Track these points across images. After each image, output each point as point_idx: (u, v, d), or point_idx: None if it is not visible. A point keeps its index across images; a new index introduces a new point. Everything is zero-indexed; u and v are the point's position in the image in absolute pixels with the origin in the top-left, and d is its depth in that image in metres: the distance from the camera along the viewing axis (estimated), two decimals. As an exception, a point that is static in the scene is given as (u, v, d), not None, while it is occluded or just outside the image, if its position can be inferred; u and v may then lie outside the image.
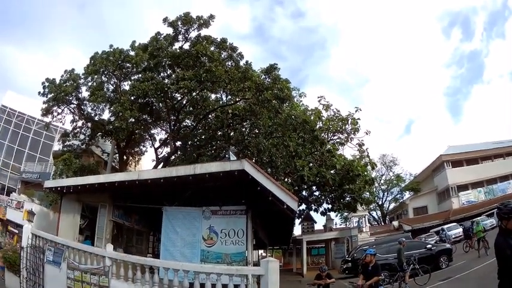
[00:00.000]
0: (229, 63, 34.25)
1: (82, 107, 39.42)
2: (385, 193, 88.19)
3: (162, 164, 38.17)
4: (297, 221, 40.09)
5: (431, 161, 73.06)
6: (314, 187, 34.90)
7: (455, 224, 49.25)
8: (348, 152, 36.83)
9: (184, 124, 40.93)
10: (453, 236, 44.43)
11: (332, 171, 30.82)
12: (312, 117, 33.63)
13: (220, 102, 37.29)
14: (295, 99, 40.39)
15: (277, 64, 32.71)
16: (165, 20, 34.94)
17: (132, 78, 37.63)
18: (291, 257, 60.38)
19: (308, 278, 36.56)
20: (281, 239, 41.53)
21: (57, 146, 52.51)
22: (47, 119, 39.68)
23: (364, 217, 64.49)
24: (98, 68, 36.12)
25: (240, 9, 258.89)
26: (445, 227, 48.55)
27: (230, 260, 17.62)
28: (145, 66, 35.59)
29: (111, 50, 36.78)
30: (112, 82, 38.38)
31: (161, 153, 42.57)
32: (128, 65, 36.72)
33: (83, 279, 14.32)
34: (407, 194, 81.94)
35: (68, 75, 37.80)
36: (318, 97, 34.76)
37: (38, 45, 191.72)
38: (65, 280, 14.83)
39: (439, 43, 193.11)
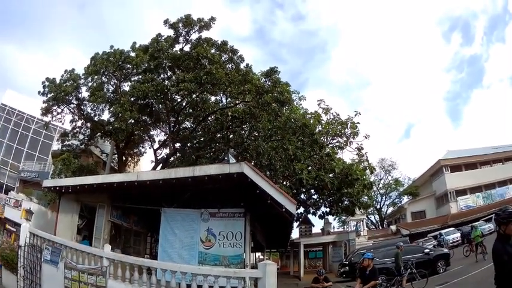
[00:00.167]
0: (230, 65, 34.26)
1: (82, 107, 39.44)
2: (384, 197, 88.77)
3: (161, 165, 38.20)
4: (295, 224, 40.02)
5: (430, 166, 73.15)
6: (312, 190, 34.92)
7: (453, 228, 49.35)
8: (347, 155, 36.92)
9: (184, 126, 40.93)
10: (451, 241, 44.60)
11: (331, 175, 30.89)
12: (311, 121, 33.69)
13: (220, 105, 37.22)
14: (295, 103, 40.45)
15: (277, 67, 32.76)
16: (166, 21, 34.95)
17: (132, 79, 37.62)
18: (288, 260, 60.25)
19: (305, 281, 36.55)
20: (279, 242, 41.52)
21: (56, 146, 52.90)
22: (47, 119, 39.58)
23: (362, 221, 64.34)
24: (98, 68, 36.13)
25: (240, 12, 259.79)
26: (443, 231, 48.66)
27: (228, 262, 17.61)
28: (146, 67, 35.59)
29: (112, 50, 36.77)
30: (112, 83, 38.42)
31: (160, 154, 42.58)
32: (128, 66, 36.69)
33: (80, 279, 14.32)
34: (405, 199, 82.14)
35: (68, 75, 37.81)
36: (318, 100, 34.90)
37: (38, 45, 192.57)
38: (62, 279, 14.83)
39: (439, 47, 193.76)
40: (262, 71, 33.76)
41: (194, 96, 34.18)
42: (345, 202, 33.20)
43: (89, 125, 40.54)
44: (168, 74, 36.91)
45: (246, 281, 11.68)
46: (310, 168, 31.69)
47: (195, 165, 23.65)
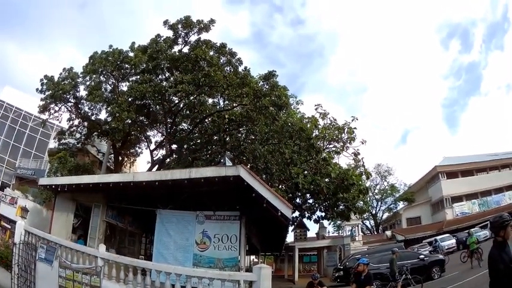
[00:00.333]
0: (228, 68, 34.27)
1: (79, 105, 39.47)
2: (379, 203, 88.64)
3: (157, 166, 38.19)
4: (290, 228, 39.98)
5: (426, 172, 73.31)
6: (308, 195, 34.81)
7: (448, 235, 49.34)
8: (343, 160, 36.93)
9: (181, 127, 41.10)
10: (446, 247, 44.59)
11: (327, 180, 30.80)
12: (308, 125, 33.66)
13: (217, 107, 37.35)
14: (292, 107, 40.45)
15: (275, 71, 32.93)
16: (165, 22, 34.95)
17: (131, 79, 37.61)
18: (283, 264, 60.62)
19: (299, 285, 36.74)
20: (274, 246, 41.60)
21: (52, 144, 52.68)
22: (44, 116, 39.83)
23: (357, 226, 64.37)
24: (97, 67, 36.11)
25: (239, 15, 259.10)
26: (438, 238, 48.62)
27: (223, 265, 17.69)
28: (144, 68, 35.56)
29: (111, 50, 36.79)
30: (110, 82, 38.41)
31: (156, 155, 42.45)
32: (126, 66, 36.69)
33: (75, 278, 14.30)
34: (401, 204, 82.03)
35: (67, 74, 37.83)
36: (315, 105, 34.86)
37: (37, 43, 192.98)
38: (56, 278, 14.81)
39: (438, 54, 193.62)
40: (261, 74, 34.20)
41: (192, 98, 34.16)
42: (341, 207, 33.07)
43: (86, 124, 40.54)
44: (166, 75, 36.93)
45: (241, 284, 11.68)
46: (306, 172, 31.67)
47: (191, 167, 23.67)
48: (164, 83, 35.21)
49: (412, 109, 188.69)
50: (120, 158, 42.76)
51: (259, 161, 31.90)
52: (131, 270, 13.51)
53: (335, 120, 34.31)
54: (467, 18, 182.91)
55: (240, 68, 34.05)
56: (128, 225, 24.40)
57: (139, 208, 20.45)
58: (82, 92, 38.52)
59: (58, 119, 40.66)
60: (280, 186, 31.93)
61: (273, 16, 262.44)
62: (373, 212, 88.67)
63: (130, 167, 48.01)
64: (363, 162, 32.98)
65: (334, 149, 34.33)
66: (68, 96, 37.66)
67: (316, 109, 34.62)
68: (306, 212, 35.87)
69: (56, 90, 35.87)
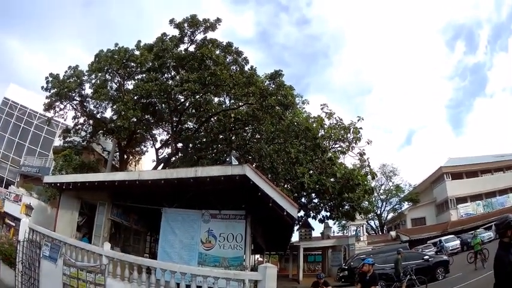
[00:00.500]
0: (234, 67, 34.27)
1: (84, 104, 39.58)
2: (384, 203, 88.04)
3: (162, 164, 38.30)
4: (295, 228, 39.91)
5: (431, 173, 72.81)
6: (313, 194, 34.82)
7: (452, 236, 49.08)
8: (349, 160, 36.81)
9: (186, 126, 41.06)
10: (450, 248, 44.36)
11: (332, 180, 30.78)
12: (314, 125, 33.58)
13: (223, 106, 37.26)
14: (298, 106, 40.21)
15: (281, 70, 32.83)
16: (171, 21, 34.77)
17: (136, 77, 37.57)
18: (287, 263, 60.02)
19: (304, 284, 36.64)
20: (279, 245, 41.49)
21: (57, 142, 52.92)
22: (49, 114, 39.97)
23: (362, 226, 63.93)
24: (102, 65, 36.05)
25: (244, 14, 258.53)
26: (442, 238, 48.39)
27: (228, 264, 17.58)
28: (150, 66, 35.59)
29: (116, 48, 36.73)
30: (116, 81, 38.39)
31: (162, 154, 42.68)
32: (132, 64, 36.62)
33: (79, 276, 14.24)
34: (405, 205, 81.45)
35: (72, 72, 37.90)
36: (321, 105, 34.86)
37: (42, 41, 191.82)
38: (60, 276, 14.76)
39: (443, 55, 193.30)
40: (267, 73, 34.10)
41: (198, 96, 34.05)
42: (346, 207, 33.08)
43: (91, 122, 40.62)
44: (172, 74, 36.87)
45: (246, 283, 11.63)
46: (311, 172, 31.57)
47: (196, 166, 23.71)
48: (170, 82, 35.18)
49: (417, 110, 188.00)
50: (125, 156, 42.85)
51: (265, 160, 31.77)
52: (136, 269, 13.40)
53: (341, 120, 34.30)
54: (472, 19, 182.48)
55: (246, 67, 34.11)
56: (133, 224, 24.32)
57: (145, 206, 20.43)
58: (87, 90, 38.66)
59: (63, 117, 40.97)
60: (285, 186, 31.89)
61: (279, 16, 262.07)
62: (378, 212, 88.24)
63: (135, 165, 48.14)
64: (369, 162, 33.01)
65: (339, 148, 34.30)
66: (74, 94, 37.77)
67: (322, 109, 34.68)
68: (311, 212, 35.93)
69: (61, 88, 35.97)
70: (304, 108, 41.84)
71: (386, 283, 24.51)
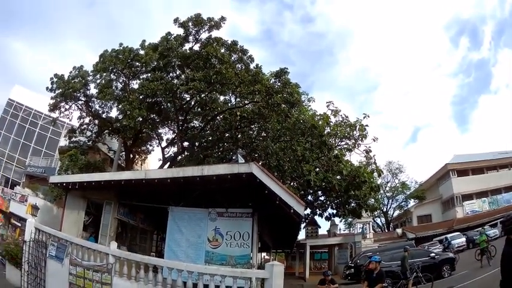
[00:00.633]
0: (240, 65, 34.17)
1: (90, 103, 39.60)
2: (390, 200, 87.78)
3: (168, 163, 38.28)
4: (302, 225, 39.87)
5: (437, 170, 72.86)
6: (320, 192, 34.78)
7: (458, 233, 49.01)
8: (355, 158, 36.63)
9: (192, 125, 41.03)
10: (456, 246, 44.24)
11: (338, 177, 30.69)
12: (320, 123, 33.47)
13: (229, 105, 37.23)
14: (304, 104, 40.17)
15: (287, 68, 32.50)
16: (176, 20, 34.76)
17: (141, 77, 37.50)
18: (294, 261, 59.53)
19: (310, 282, 36.59)
20: (285, 243, 41.23)
21: (63, 142, 52.87)
22: (54, 115, 39.90)
23: (368, 223, 64.06)
24: (107, 65, 36.05)
25: (248, 13, 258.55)
26: (448, 236, 48.26)
27: (235, 262, 17.56)
28: (155, 65, 35.59)
29: (121, 48, 36.72)
30: (121, 80, 38.33)
31: (168, 153, 42.63)
32: (137, 63, 36.52)
33: (86, 275, 14.30)
34: (412, 202, 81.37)
35: (77, 72, 37.95)
36: (327, 102, 34.70)
37: (46, 42, 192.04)
38: (66, 276, 14.83)
39: (447, 51, 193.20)
40: (272, 71, 33.90)
41: (203, 95, 34.01)
42: (352, 204, 33.02)
43: (96, 122, 40.61)
44: (177, 73, 36.92)
45: (253, 281, 11.64)
46: (318, 169, 31.53)
47: (202, 165, 23.78)
48: (175, 81, 35.39)
49: (422, 107, 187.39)
50: (131, 156, 42.89)
51: (271, 158, 31.69)
52: (142, 268, 13.46)
53: (347, 117, 34.19)
54: (476, 15, 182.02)
55: (252, 66, 33.99)
56: (140, 223, 24.32)
57: (151, 205, 20.42)
58: (92, 90, 38.68)
59: (69, 117, 40.91)
60: (292, 184, 31.79)
61: (283, 14, 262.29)
62: (384, 209, 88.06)
63: (141, 165, 48.25)
64: (375, 160, 32.83)
65: (345, 146, 34.17)
66: (79, 95, 37.84)
67: (327, 106, 34.52)
68: (317, 209, 35.87)
69: (66, 89, 36.06)
70: (310, 105, 41.80)
71: (392, 280, 24.38)
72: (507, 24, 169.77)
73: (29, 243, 16.64)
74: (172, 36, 35.39)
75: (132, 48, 36.54)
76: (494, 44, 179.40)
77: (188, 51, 35.05)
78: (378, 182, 39.47)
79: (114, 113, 39.57)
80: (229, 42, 34.08)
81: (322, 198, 36.12)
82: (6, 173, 63.25)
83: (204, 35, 35.12)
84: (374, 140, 32.59)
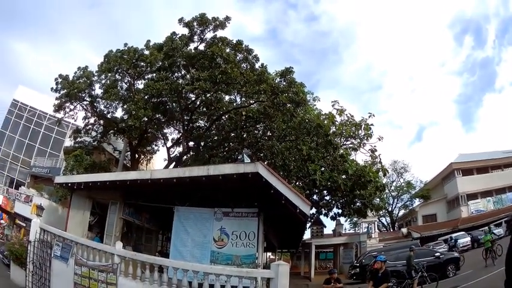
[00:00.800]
0: (245, 65, 34.25)
1: (95, 104, 39.88)
2: (395, 200, 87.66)
3: (174, 163, 38.42)
4: (307, 225, 39.87)
5: (442, 169, 72.53)
6: (325, 191, 34.64)
7: (463, 233, 48.91)
8: (360, 157, 36.59)
9: (198, 125, 41.17)
10: (461, 245, 44.12)
11: (344, 176, 30.57)
12: (325, 122, 33.42)
13: (235, 104, 37.34)
14: (309, 103, 40.10)
15: (292, 67, 32.66)
16: (180, 20, 34.93)
17: (146, 77, 37.83)
18: (299, 261, 59.58)
19: (315, 282, 36.59)
20: (291, 242, 41.28)
21: (68, 142, 53.05)
22: (59, 115, 40.27)
23: (374, 223, 64.01)
24: (112, 66, 36.26)
25: (253, 12, 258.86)
26: (453, 235, 48.18)
27: (240, 262, 17.50)
28: (160, 65, 35.78)
29: (126, 48, 37.02)
30: (126, 80, 38.62)
31: (173, 152, 42.77)
32: (142, 64, 36.88)
33: (91, 275, 14.32)
34: (417, 201, 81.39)
35: (81, 72, 38.29)
36: (332, 101, 34.49)
37: (50, 43, 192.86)
38: (71, 276, 14.85)
39: (451, 50, 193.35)
40: (277, 71, 33.90)
41: (208, 95, 34.32)
42: (357, 204, 32.86)
43: (101, 122, 40.95)
44: (183, 73, 37.07)
45: (258, 281, 11.64)
46: (323, 169, 31.42)
47: (208, 164, 23.86)
48: (180, 81, 35.56)
49: (427, 106, 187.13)
50: (136, 156, 43.09)
51: (277, 157, 31.77)
52: (148, 268, 13.44)
53: (352, 116, 34.03)
54: (480, 14, 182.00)
55: (257, 65, 34.15)
56: (145, 223, 24.32)
57: (157, 205, 20.41)
58: (97, 90, 39.12)
59: (73, 118, 41.45)
60: (297, 183, 31.67)
61: (287, 13, 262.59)
62: (389, 209, 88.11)
63: (147, 165, 48.45)
64: (380, 159, 32.74)
65: (351, 145, 34.01)
66: (83, 95, 38.20)
67: (333, 105, 34.33)
68: (322, 209, 35.67)
69: (71, 89, 36.32)
70: (315, 105, 41.64)
71: (398, 280, 24.29)
72: (511, 22, 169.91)
73: (34, 243, 16.74)
74: (177, 36, 35.61)
75: (136, 49, 36.89)
76: (498, 42, 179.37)
77: (193, 51, 35.23)
78: (383, 182, 39.35)
79: (119, 113, 40.04)
80: (234, 41, 34.16)
81: (327, 197, 36.02)
82: (11, 173, 63.33)
83: (209, 35, 35.35)
84: (379, 139, 32.46)
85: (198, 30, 35.16)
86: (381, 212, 77.24)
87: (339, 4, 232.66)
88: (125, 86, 38.66)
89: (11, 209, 44.39)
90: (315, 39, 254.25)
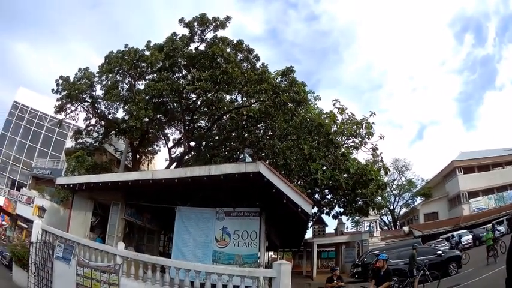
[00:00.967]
0: (246, 65, 34.31)
1: (96, 105, 39.96)
2: (397, 198, 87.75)
3: (175, 163, 38.45)
4: (309, 224, 39.89)
5: (444, 167, 72.47)
6: (327, 190, 34.58)
7: (465, 231, 48.79)
8: (362, 156, 36.54)
9: (199, 125, 41.22)
10: (463, 243, 44.03)
11: (345, 175, 30.48)
12: (326, 121, 33.41)
13: (235, 104, 37.35)
14: (310, 102, 40.07)
15: (293, 67, 32.69)
16: (181, 20, 34.97)
17: (147, 78, 37.91)
18: (301, 260, 59.49)
19: (317, 281, 36.60)
20: (293, 242, 41.44)
21: (69, 143, 53.26)
22: (60, 116, 40.47)
23: (375, 222, 63.76)
24: (113, 67, 36.34)
25: (253, 12, 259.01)
26: (455, 233, 48.19)
27: (242, 261, 17.53)
28: (161, 66, 35.81)
29: (126, 49, 37.00)
30: (127, 81, 38.67)
31: (174, 153, 42.86)
32: (143, 64, 36.86)
33: (93, 276, 14.36)
34: (418, 200, 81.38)
35: (82, 74, 38.31)
36: (333, 100, 34.45)
37: (50, 45, 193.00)
38: (74, 276, 14.89)
39: (452, 48, 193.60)
40: (278, 70, 33.90)
41: (209, 95, 34.22)
42: (359, 202, 32.75)
43: (103, 123, 41.06)
44: (183, 73, 37.09)
45: (260, 280, 11.69)
46: (325, 168, 31.34)
47: (209, 164, 23.68)
48: (181, 81, 35.60)
49: (427, 104, 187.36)
50: (138, 156, 43.25)
51: (278, 157, 31.69)
52: (150, 268, 13.54)
53: (353, 115, 34.00)
54: (480, 12, 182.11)
55: (258, 65, 34.23)
56: (147, 223, 24.35)
57: (158, 205, 20.39)
58: (98, 91, 39.17)
59: (74, 119, 41.32)
60: (299, 182, 31.77)
61: (287, 13, 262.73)
62: (391, 207, 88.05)
63: (148, 165, 48.60)
64: (381, 157, 32.72)
65: (352, 144, 34.02)
66: (84, 96, 38.28)
67: (334, 104, 34.28)
68: (324, 208, 35.62)
69: (72, 90, 36.34)
70: (316, 104, 41.55)
71: (399, 279, 24.38)
72: (511, 20, 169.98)
73: (36, 244, 16.78)
74: (178, 37, 35.62)
75: (137, 49, 36.86)
76: (498, 40, 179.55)
77: (194, 51, 35.28)
78: (385, 180, 39.29)
79: (120, 114, 39.99)
80: (235, 41, 34.21)
81: (329, 196, 35.92)
82: (13, 175, 63.43)
83: (209, 35, 35.39)
84: (380, 138, 32.43)
85: (199, 31, 35.19)
86: (383, 211, 77.36)
87: (339, 3, 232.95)
88: (125, 86, 38.73)
89: (12, 211, 44.47)
90: (315, 38, 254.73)
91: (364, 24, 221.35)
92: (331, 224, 79.42)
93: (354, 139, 33.61)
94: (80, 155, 37.52)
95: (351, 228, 77.19)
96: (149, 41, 37.52)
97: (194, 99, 36.82)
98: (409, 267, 23.62)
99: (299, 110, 33.01)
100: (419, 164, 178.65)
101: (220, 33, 34.93)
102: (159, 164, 52.56)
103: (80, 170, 35.04)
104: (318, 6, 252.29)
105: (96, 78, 38.31)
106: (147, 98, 34.27)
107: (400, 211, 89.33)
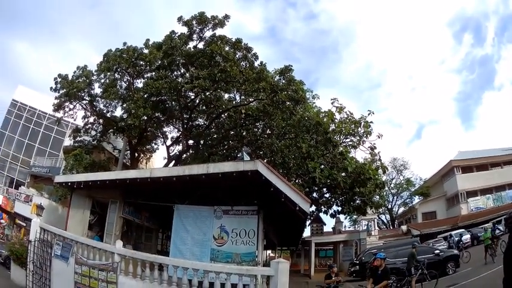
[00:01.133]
0: (244, 63, 34.22)
1: (94, 103, 39.89)
2: (395, 197, 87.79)
3: (173, 162, 38.63)
4: (307, 223, 39.92)
5: (442, 166, 72.39)
6: (325, 189, 34.60)
7: (463, 230, 48.89)
8: (360, 155, 36.50)
9: (197, 123, 41.27)
10: (460, 242, 44.03)
11: (343, 174, 30.48)
12: (325, 120, 33.40)
13: (234, 102, 37.37)
14: (309, 101, 40.07)
15: (291, 65, 32.81)
16: (179, 19, 34.87)
17: (146, 76, 37.92)
18: (299, 258, 60.00)
19: (315, 279, 36.53)
20: (290, 240, 41.58)
21: (68, 142, 52.98)
22: (59, 115, 40.33)
23: (373, 220, 63.85)
24: (111, 65, 36.26)
25: (252, 10, 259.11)
26: (453, 232, 48.20)
27: (240, 259, 17.53)
28: (159, 64, 35.76)
29: (125, 47, 37.02)
30: (125, 79, 38.62)
31: (173, 151, 42.89)
32: (141, 62, 36.90)
33: (91, 274, 14.35)
34: (416, 199, 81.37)
35: (81, 72, 38.29)
36: (332, 99, 34.41)
37: (49, 43, 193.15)
38: (72, 275, 14.87)
39: (451, 48, 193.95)
40: (277, 69, 33.97)
41: (208, 93, 34.40)
42: (357, 201, 32.81)
43: (101, 121, 41.03)
44: (182, 71, 37.04)
45: (258, 278, 11.71)
46: (323, 166, 31.34)
47: (208, 163, 23.64)
48: (180, 79, 35.62)
49: (426, 103, 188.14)
50: (136, 154, 43.04)
51: (276, 155, 31.92)
52: (148, 266, 13.48)
53: (351, 114, 33.99)
54: (479, 11, 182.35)
55: (256, 63, 34.12)
56: (145, 221, 24.40)
57: (156, 204, 20.36)
58: (97, 89, 39.08)
59: (73, 117, 41.37)
60: (297, 181, 31.83)
61: (286, 11, 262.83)
62: (389, 206, 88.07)
63: (146, 163, 48.64)
64: (380, 156, 32.72)
65: (350, 143, 33.99)
66: (83, 94, 38.20)
67: (332, 103, 34.26)
68: (322, 207, 35.67)
69: (71, 89, 36.34)
70: (314, 102, 41.74)
71: (397, 277, 24.28)
72: (510, 20, 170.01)
73: (34, 243, 16.76)
74: (177, 35, 35.54)
75: (136, 48, 36.91)
76: (497, 40, 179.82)
77: (192, 49, 35.25)
78: (383, 179, 39.26)
79: (118, 112, 40.06)
80: (234, 40, 34.14)
81: (327, 195, 35.93)
82: (11, 173, 63.50)
83: (208, 33, 35.35)
84: (379, 137, 32.40)
85: (197, 29, 35.14)
86: (381, 210, 76.87)
87: (338, 2, 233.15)
88: (124, 85, 38.70)
89: (11, 209, 44.45)
90: (314, 37, 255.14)
91: (363, 24, 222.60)
92: (329, 223, 79.84)
93: (352, 138, 33.55)
94: (78, 153, 37.47)
95: (349, 227, 77.32)
96: (148, 40, 37.57)
97: (192, 97, 36.89)
98: (407, 266, 23.58)
99: (297, 109, 33.05)
100: (417, 163, 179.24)
101: (219, 31, 34.99)
102: (158, 162, 52.51)
103: (78, 168, 34.97)
104: (317, 5, 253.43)
105: (94, 77, 38.33)
106: (145, 96, 34.30)
107: (398, 210, 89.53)
